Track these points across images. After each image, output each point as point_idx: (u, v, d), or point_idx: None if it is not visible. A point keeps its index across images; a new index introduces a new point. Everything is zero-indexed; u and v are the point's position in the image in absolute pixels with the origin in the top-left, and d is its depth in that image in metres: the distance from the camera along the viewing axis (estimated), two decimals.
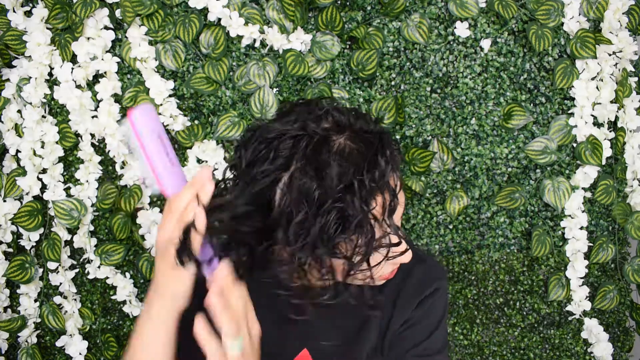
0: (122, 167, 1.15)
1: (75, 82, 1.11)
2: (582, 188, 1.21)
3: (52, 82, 1.13)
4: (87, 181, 1.15)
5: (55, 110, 1.14)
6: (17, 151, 1.14)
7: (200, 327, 0.56)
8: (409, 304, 0.77)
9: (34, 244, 1.16)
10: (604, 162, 1.18)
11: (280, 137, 0.59)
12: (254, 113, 1.12)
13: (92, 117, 1.12)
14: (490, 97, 1.18)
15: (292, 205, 0.56)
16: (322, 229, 0.55)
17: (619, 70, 1.19)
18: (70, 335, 1.20)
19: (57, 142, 1.13)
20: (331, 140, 0.58)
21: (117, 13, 1.10)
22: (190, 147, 1.15)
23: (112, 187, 1.15)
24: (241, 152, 0.61)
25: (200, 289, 0.64)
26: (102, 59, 1.11)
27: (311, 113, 0.61)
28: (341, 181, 0.56)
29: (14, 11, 1.10)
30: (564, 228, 1.22)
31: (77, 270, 1.19)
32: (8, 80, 1.12)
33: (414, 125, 1.18)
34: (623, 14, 1.16)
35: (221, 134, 1.13)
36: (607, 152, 1.18)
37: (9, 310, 1.20)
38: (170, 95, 1.13)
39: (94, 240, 1.18)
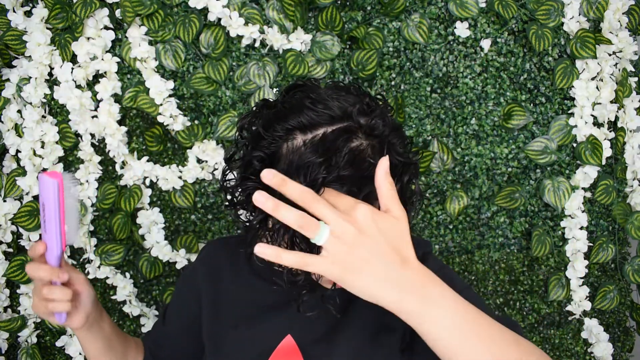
0: (122, 167, 1.15)
1: (75, 82, 1.11)
2: (582, 188, 1.21)
3: (52, 82, 1.13)
4: (87, 181, 1.15)
5: (55, 110, 1.14)
6: (17, 151, 1.13)
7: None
8: None
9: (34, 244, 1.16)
10: (604, 162, 1.18)
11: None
12: None
13: (92, 117, 1.12)
14: (490, 97, 1.18)
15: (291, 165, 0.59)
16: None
17: (619, 70, 1.19)
18: (70, 335, 1.20)
19: (57, 142, 1.13)
20: (354, 135, 0.59)
21: (117, 13, 1.10)
22: (190, 147, 1.15)
23: (112, 187, 1.15)
24: (256, 118, 0.65)
25: None
26: (102, 59, 1.11)
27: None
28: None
29: (14, 11, 1.10)
30: (564, 228, 1.22)
31: None
32: (8, 80, 1.12)
33: (414, 125, 1.18)
34: (623, 14, 1.16)
35: (221, 134, 1.13)
36: (607, 152, 1.18)
37: (9, 310, 1.20)
38: (170, 95, 1.13)
39: (94, 240, 1.18)
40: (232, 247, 0.83)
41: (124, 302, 1.22)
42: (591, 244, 1.22)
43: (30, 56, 1.10)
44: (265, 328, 0.73)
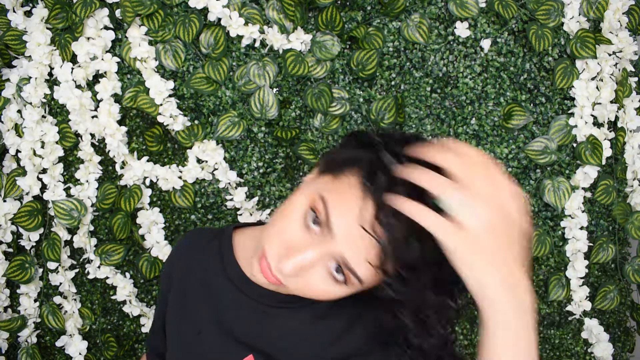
0: (122, 167, 1.15)
1: (75, 82, 1.11)
2: (582, 188, 1.21)
3: (52, 82, 1.13)
4: (87, 181, 1.15)
5: (55, 110, 1.14)
6: (17, 151, 1.14)
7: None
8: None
9: (34, 244, 1.16)
10: (604, 162, 1.18)
11: None
12: (254, 113, 1.12)
13: (92, 117, 1.12)
14: (490, 97, 1.18)
15: None
16: None
17: (619, 70, 1.19)
18: (70, 335, 1.20)
19: (57, 142, 1.13)
20: None
21: (117, 13, 1.10)
22: (190, 147, 1.15)
23: (112, 187, 1.15)
24: None
25: None
26: (102, 59, 1.11)
27: None
28: None
29: (14, 11, 1.10)
30: (564, 228, 1.22)
31: (77, 270, 1.19)
32: (8, 80, 1.12)
33: (414, 125, 1.18)
34: (623, 14, 1.16)
35: (221, 134, 1.13)
36: (607, 152, 1.18)
37: (9, 310, 1.20)
38: (170, 95, 1.13)
39: (94, 240, 1.18)
40: (207, 241, 0.78)
41: (124, 302, 1.22)
42: (591, 244, 1.22)
43: (30, 56, 1.11)
44: (228, 342, 0.69)
